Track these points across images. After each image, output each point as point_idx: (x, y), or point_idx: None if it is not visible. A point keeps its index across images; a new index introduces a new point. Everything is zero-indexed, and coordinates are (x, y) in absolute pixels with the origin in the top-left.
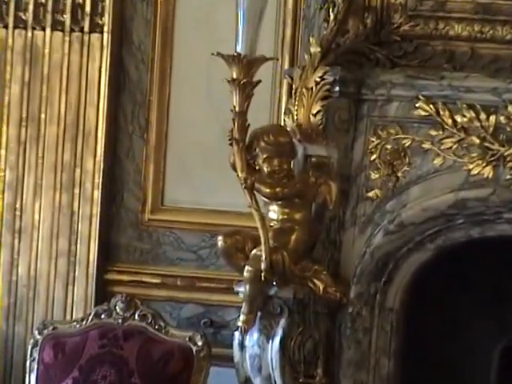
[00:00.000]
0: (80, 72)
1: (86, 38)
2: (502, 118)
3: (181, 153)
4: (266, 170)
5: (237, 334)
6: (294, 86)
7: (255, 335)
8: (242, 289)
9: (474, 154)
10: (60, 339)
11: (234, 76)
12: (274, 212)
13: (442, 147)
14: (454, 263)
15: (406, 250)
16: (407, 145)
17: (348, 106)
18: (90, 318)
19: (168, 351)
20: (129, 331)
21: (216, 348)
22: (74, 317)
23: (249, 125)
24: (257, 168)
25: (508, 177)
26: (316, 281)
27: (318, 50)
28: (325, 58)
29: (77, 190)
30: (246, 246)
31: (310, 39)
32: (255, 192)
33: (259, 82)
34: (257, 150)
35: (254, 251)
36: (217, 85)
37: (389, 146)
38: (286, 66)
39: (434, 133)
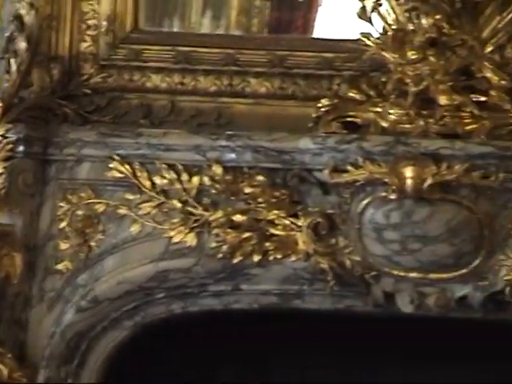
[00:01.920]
0: None
1: None
2: (206, 179)
3: None
4: None
5: None
6: None
7: None
8: None
9: (175, 220)
10: None
11: None
12: None
13: (140, 212)
14: (157, 341)
15: (101, 329)
16: (101, 210)
17: (33, 168)
18: None
19: None
20: None
21: None
22: None
23: None
24: None
25: (214, 244)
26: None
27: None
28: (7, 113)
29: None
30: None
31: None
32: None
33: None
34: None
35: None
36: None
37: (80, 212)
38: None
39: (130, 197)
